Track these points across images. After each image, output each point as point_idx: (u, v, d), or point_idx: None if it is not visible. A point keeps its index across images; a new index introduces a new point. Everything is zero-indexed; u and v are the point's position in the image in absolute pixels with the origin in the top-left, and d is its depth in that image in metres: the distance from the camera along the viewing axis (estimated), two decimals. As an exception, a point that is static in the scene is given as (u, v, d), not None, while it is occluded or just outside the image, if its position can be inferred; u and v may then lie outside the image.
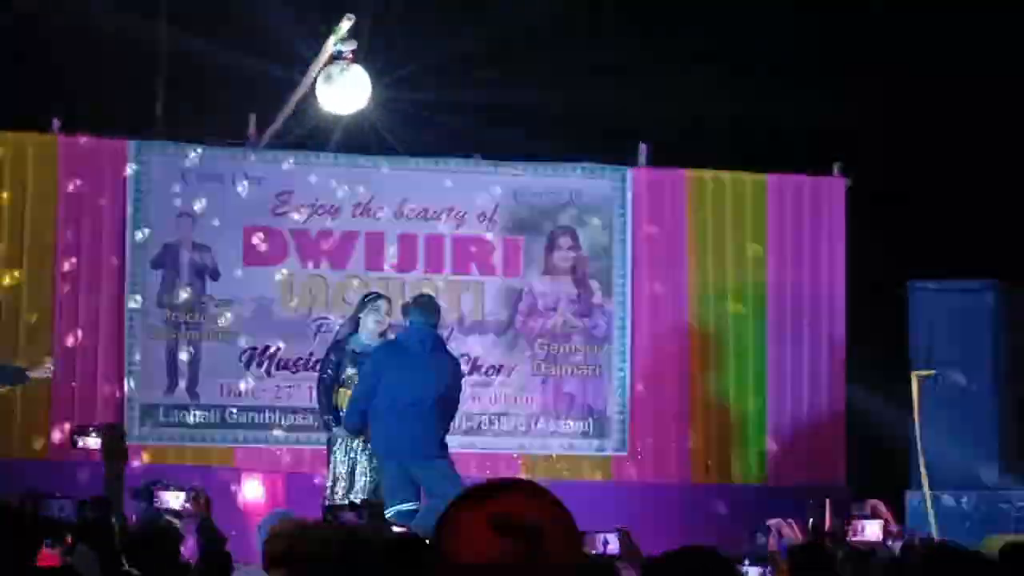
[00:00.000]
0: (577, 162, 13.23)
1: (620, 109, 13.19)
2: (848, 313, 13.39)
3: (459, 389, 10.55)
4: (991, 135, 13.27)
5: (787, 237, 13.42)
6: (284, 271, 12.64)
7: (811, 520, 10.07)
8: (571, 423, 13.01)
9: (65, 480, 10.83)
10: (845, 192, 13.53)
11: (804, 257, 13.43)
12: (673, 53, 13.30)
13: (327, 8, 12.20)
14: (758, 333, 13.30)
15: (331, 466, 10.42)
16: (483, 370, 12.70)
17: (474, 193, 13.03)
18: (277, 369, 12.54)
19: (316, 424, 11.66)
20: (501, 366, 12.87)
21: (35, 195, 12.21)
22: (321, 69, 11.86)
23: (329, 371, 10.60)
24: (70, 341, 12.16)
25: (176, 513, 6.66)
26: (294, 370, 12.54)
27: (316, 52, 11.92)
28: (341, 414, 10.43)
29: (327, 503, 9.75)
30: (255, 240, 12.60)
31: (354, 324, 10.68)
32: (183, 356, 12.42)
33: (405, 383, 10.02)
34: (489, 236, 13.03)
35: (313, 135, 12.91)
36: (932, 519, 12.19)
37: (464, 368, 11.54)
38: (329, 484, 10.39)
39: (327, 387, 10.58)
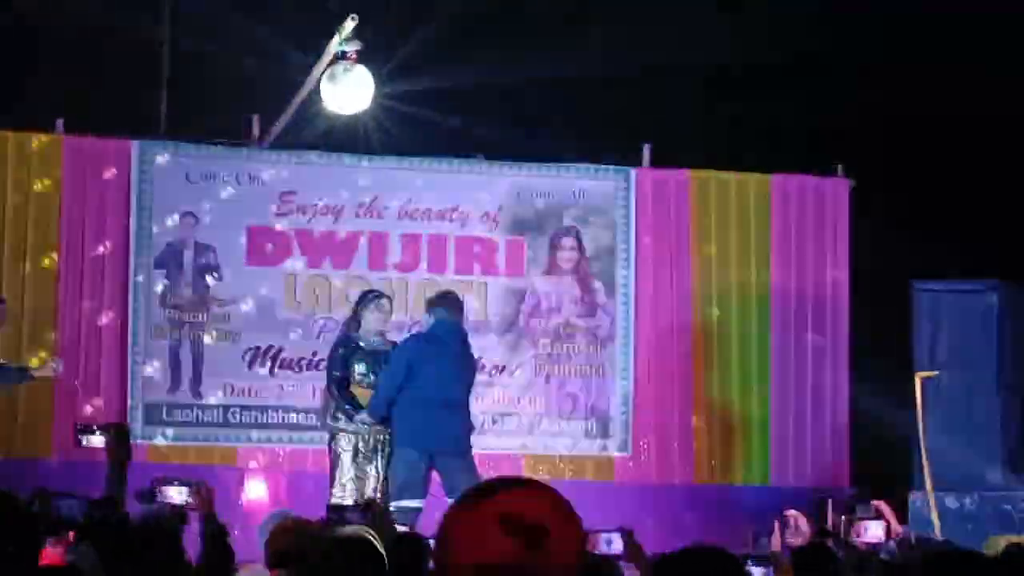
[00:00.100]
0: (581, 162, 13.22)
1: (624, 109, 13.20)
2: (852, 314, 13.38)
3: None
4: (995, 135, 13.26)
5: (791, 238, 13.41)
6: (287, 271, 12.64)
7: (814, 520, 10.07)
8: (574, 423, 13.00)
9: (68, 479, 10.81)
10: (849, 193, 13.51)
11: (808, 257, 13.42)
12: (676, 52, 13.29)
13: (331, 8, 12.21)
14: (762, 333, 13.29)
15: (338, 465, 10.39)
16: (486, 370, 12.68)
17: (477, 193, 13.02)
18: (280, 368, 12.54)
19: (319, 423, 11.64)
20: (504, 366, 12.87)
21: (38, 194, 12.21)
22: (325, 69, 11.86)
23: (336, 371, 10.57)
24: (73, 340, 12.16)
25: (179, 508, 6.65)
26: (297, 370, 12.54)
27: (320, 52, 11.92)
28: (348, 408, 10.44)
29: (331, 502, 9.74)
30: (258, 240, 12.59)
31: (356, 322, 10.68)
32: (186, 355, 12.43)
33: (440, 377, 10.16)
34: (492, 236, 13.02)
35: (317, 135, 12.91)
36: (935, 520, 12.19)
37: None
38: (338, 483, 10.36)
39: (339, 384, 10.53)
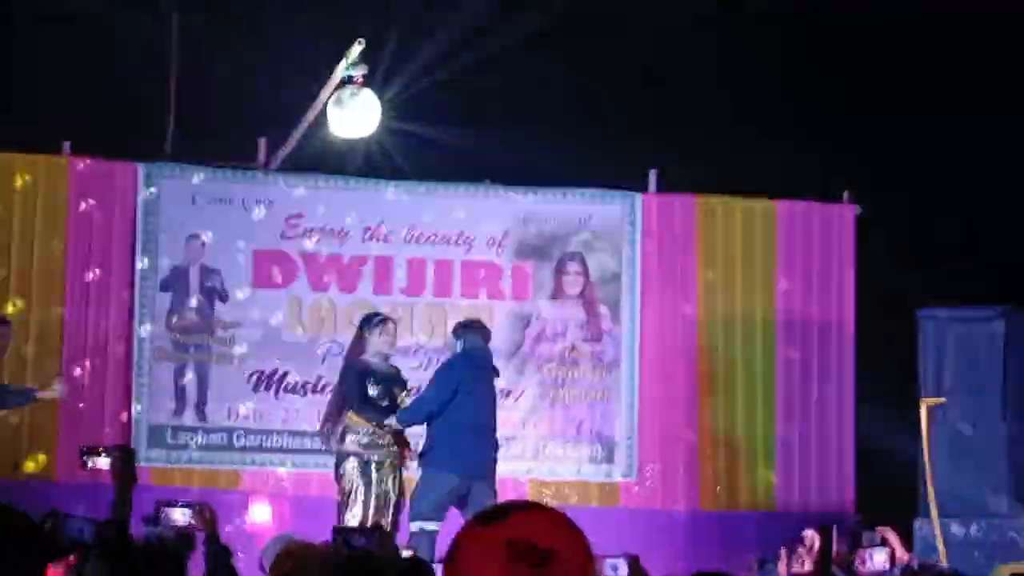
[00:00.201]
0: (586, 187, 13.23)
1: (630, 134, 13.21)
2: (857, 340, 13.37)
3: None
4: (1000, 162, 13.27)
5: (796, 264, 13.41)
6: (293, 294, 12.64)
7: (819, 547, 10.03)
8: (579, 448, 12.98)
9: (73, 501, 10.80)
10: (855, 220, 13.51)
11: (813, 284, 13.41)
12: (683, 77, 13.33)
13: (338, 32, 12.24)
14: (767, 359, 13.28)
15: (345, 489, 10.29)
16: (492, 394, 12.64)
17: (483, 218, 13.03)
18: (285, 392, 12.53)
19: (324, 447, 11.62)
20: (509, 391, 12.84)
21: (45, 217, 12.23)
22: (332, 93, 11.88)
23: (354, 392, 10.42)
24: (78, 363, 12.16)
25: (183, 530, 6.64)
26: (302, 393, 12.54)
27: (327, 76, 11.94)
28: (374, 414, 10.32)
29: (337, 526, 9.71)
30: (264, 263, 12.60)
31: (361, 344, 10.62)
32: (191, 378, 12.43)
33: (478, 402, 10.20)
34: (498, 261, 13.03)
35: (323, 159, 12.93)
36: (941, 547, 12.15)
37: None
38: (346, 507, 10.29)
39: (362, 401, 10.40)
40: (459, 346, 10.54)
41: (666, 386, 13.13)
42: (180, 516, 6.95)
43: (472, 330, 10.57)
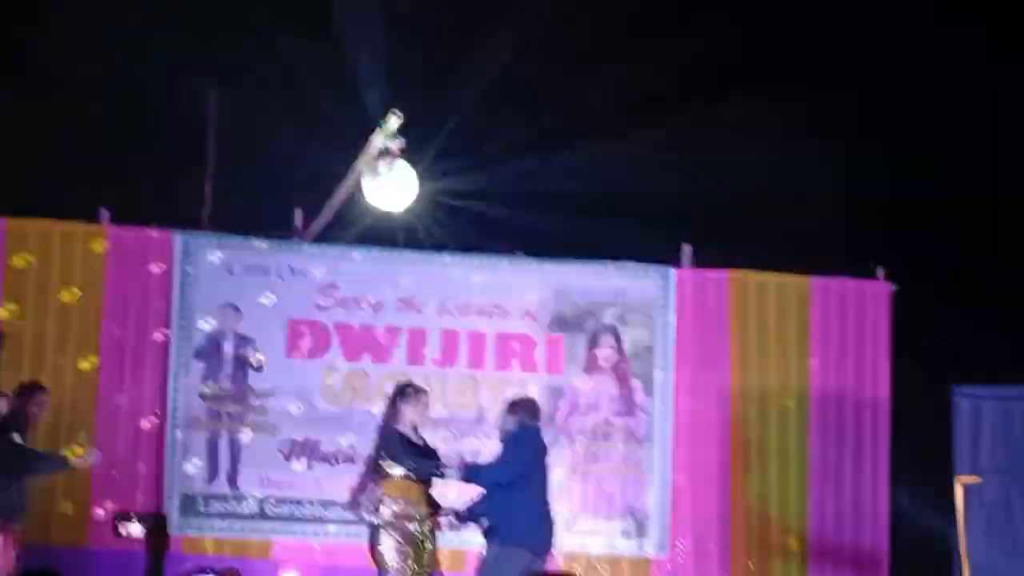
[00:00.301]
0: (621, 261, 13.24)
1: (664, 209, 13.25)
2: (892, 417, 13.30)
3: None
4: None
5: (830, 341, 13.37)
6: (327, 364, 12.65)
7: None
8: (611, 523, 12.91)
9: (104, 568, 10.80)
10: (890, 297, 13.48)
11: (848, 360, 13.37)
12: (716, 153, 13.38)
13: (374, 104, 12.32)
14: (800, 435, 13.22)
15: (386, 564, 10.07)
16: (523, 467, 12.59)
17: (517, 290, 13.04)
18: (318, 462, 12.52)
19: (356, 518, 11.55)
20: (542, 464, 12.77)
21: (82, 283, 12.27)
22: (368, 164, 11.93)
23: (395, 444, 10.20)
24: (112, 430, 12.17)
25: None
26: (334, 463, 12.52)
27: (363, 147, 12.00)
28: (395, 500, 10.13)
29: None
30: (298, 333, 12.62)
31: (394, 413, 10.44)
32: (224, 447, 12.42)
33: (546, 478, 10.12)
34: (532, 333, 13.02)
35: (358, 229, 12.98)
36: (976, 627, 12.03)
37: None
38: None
39: (403, 456, 10.21)
40: (513, 423, 10.35)
41: (699, 461, 13.07)
42: (211, 583, 6.93)
43: (526, 409, 10.45)
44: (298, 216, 12.90)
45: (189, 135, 13.22)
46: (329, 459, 12.53)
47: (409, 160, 12.02)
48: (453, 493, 10.68)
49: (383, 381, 12.46)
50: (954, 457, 12.69)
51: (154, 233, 12.51)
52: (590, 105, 13.86)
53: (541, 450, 10.24)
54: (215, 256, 12.56)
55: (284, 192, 13.04)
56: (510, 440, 10.20)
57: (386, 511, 9.96)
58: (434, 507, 10.23)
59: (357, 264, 12.85)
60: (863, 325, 13.45)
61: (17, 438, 10.56)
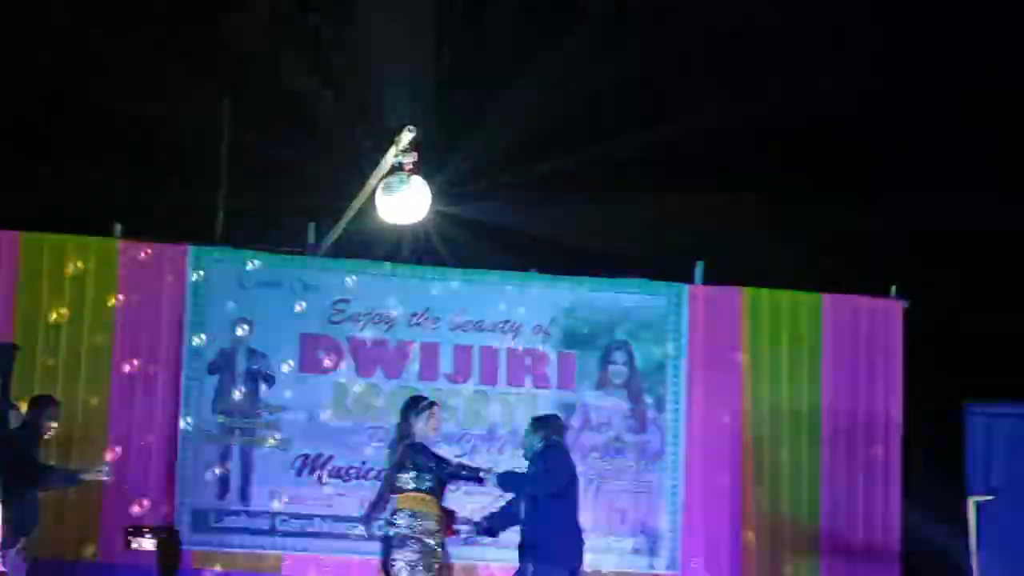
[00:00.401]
0: (633, 278, 13.23)
1: (678, 225, 13.25)
2: (904, 435, 13.27)
3: None
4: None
5: (843, 358, 13.35)
6: (339, 379, 12.65)
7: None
8: (622, 539, 12.89)
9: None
10: (903, 314, 13.46)
11: (860, 377, 13.35)
12: (730, 169, 13.38)
13: (388, 119, 12.33)
14: (812, 452, 13.20)
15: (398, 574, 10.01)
16: (535, 483, 12.57)
17: (530, 306, 13.04)
18: (329, 477, 12.51)
19: (367, 534, 11.53)
20: (553, 480, 12.75)
21: (95, 297, 12.29)
22: (381, 180, 11.93)
23: (420, 454, 10.09)
24: (124, 444, 12.17)
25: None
26: (346, 479, 12.52)
27: (376, 162, 12.00)
28: (412, 512, 10.03)
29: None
30: (311, 348, 12.62)
31: (407, 428, 10.35)
32: (236, 461, 12.42)
33: (576, 496, 10.05)
34: (544, 349, 13.02)
35: (371, 245, 12.99)
36: (988, 646, 11.99)
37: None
38: None
39: (446, 463, 10.14)
40: (539, 440, 10.25)
41: (711, 478, 13.05)
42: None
43: (552, 426, 10.36)
44: (311, 231, 12.91)
45: (203, 150, 13.22)
46: (341, 474, 12.52)
47: (423, 175, 12.01)
48: (470, 506, 10.65)
49: (395, 396, 12.44)
50: (966, 475, 12.65)
51: (168, 248, 12.52)
52: (603, 121, 13.86)
53: (572, 466, 10.19)
54: (227, 270, 12.57)
55: (297, 207, 13.05)
56: (541, 456, 10.08)
57: (401, 525, 9.90)
58: (450, 516, 10.18)
59: (370, 279, 12.85)
60: (876, 342, 13.43)
61: (29, 452, 10.56)
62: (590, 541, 12.70)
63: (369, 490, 12.10)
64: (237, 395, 12.48)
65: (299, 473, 12.50)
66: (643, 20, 13.62)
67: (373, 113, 13.04)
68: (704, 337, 13.24)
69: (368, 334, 12.76)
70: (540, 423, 10.31)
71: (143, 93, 13.11)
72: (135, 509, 12.07)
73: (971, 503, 12.53)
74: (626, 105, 13.67)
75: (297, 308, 12.63)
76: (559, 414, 10.97)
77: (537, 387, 12.98)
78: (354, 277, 12.79)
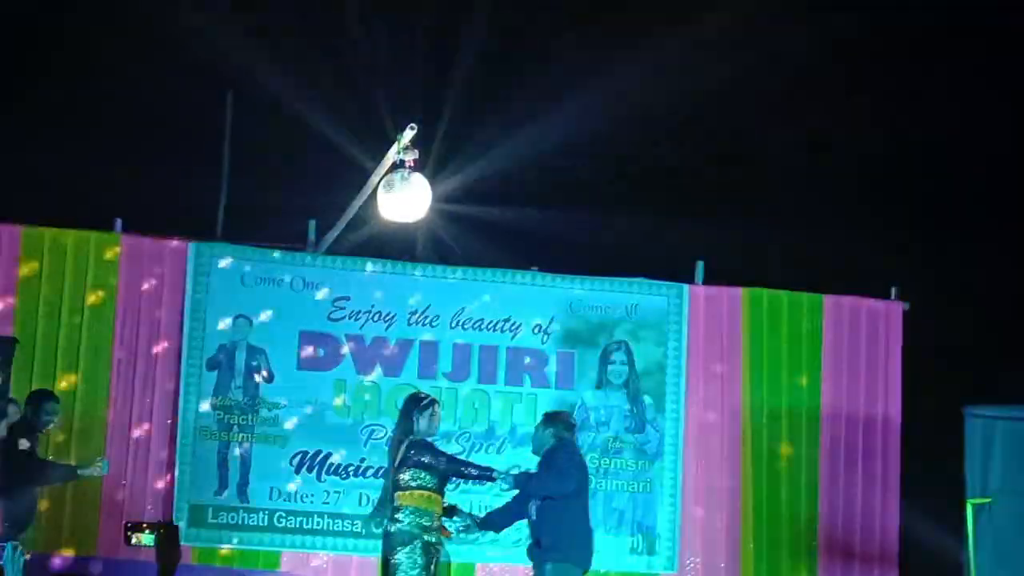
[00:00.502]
0: (634, 277, 13.22)
1: (679, 225, 13.25)
2: (903, 437, 13.28)
3: None
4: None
5: (843, 359, 13.35)
6: (338, 376, 12.64)
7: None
8: (620, 539, 12.88)
9: (114, 578, 10.79)
10: (903, 316, 13.46)
11: (860, 379, 13.35)
12: (731, 170, 13.38)
13: (390, 116, 12.34)
14: (811, 454, 13.20)
15: (398, 570, 9.96)
16: (533, 482, 12.57)
17: (530, 305, 13.03)
18: (327, 474, 12.50)
19: (366, 529, 11.56)
20: (552, 479, 12.75)
21: (95, 292, 12.27)
22: (382, 177, 11.92)
23: (433, 454, 10.02)
24: (122, 439, 12.16)
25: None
26: (344, 476, 12.51)
27: (378, 160, 12.00)
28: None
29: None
30: (310, 345, 12.62)
31: (409, 425, 10.29)
32: (234, 458, 12.41)
33: (588, 495, 10.03)
34: (544, 348, 13.01)
35: (372, 242, 12.99)
36: (985, 649, 11.99)
37: (515, 479, 11.44)
38: None
39: (458, 461, 10.11)
40: (551, 436, 10.19)
41: (709, 478, 13.05)
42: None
43: (564, 422, 10.31)
44: (312, 228, 12.90)
45: (204, 146, 13.22)
46: (339, 471, 12.52)
47: (423, 173, 12.01)
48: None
49: (395, 394, 12.45)
50: (965, 478, 12.65)
51: (168, 243, 12.51)
52: (604, 114, 13.87)
53: (584, 464, 10.16)
54: (228, 266, 12.56)
55: (298, 204, 13.04)
56: (555, 454, 10.02)
57: (404, 522, 9.88)
58: (452, 512, 10.17)
59: (370, 277, 12.84)
60: (876, 343, 13.44)
61: (26, 446, 10.55)
62: (588, 540, 12.80)
63: (367, 487, 12.14)
64: (236, 391, 12.47)
65: (298, 470, 12.49)
66: (643, 20, 13.64)
67: (376, 110, 13.04)
68: (704, 337, 13.23)
69: (367, 332, 12.75)
70: (551, 419, 10.28)
71: (145, 89, 13.11)
72: (134, 505, 12.06)
73: (969, 506, 12.52)
74: (626, 105, 13.67)
75: (297, 305, 12.61)
76: (569, 411, 10.95)
77: (536, 386, 12.97)
78: (354, 274, 12.78)
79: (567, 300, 13.10)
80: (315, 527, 12.47)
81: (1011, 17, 12.78)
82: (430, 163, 12.61)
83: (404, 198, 11.95)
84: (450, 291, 12.93)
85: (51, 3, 13.34)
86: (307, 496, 12.47)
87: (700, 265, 13.37)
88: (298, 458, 12.50)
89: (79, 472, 11.05)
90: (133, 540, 10.30)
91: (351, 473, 12.51)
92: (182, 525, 12.06)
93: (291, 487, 12.45)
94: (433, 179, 12.39)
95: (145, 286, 12.39)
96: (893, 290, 13.54)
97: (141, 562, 11.35)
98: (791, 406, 13.22)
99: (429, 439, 10.07)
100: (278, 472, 12.45)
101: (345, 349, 12.69)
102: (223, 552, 12.31)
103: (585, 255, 13.26)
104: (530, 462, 12.57)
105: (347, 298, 12.77)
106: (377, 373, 12.73)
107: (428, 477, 9.83)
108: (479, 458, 12.44)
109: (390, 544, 9.84)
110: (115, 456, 11.92)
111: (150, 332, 12.37)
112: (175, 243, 12.52)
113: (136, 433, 12.23)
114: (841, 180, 13.39)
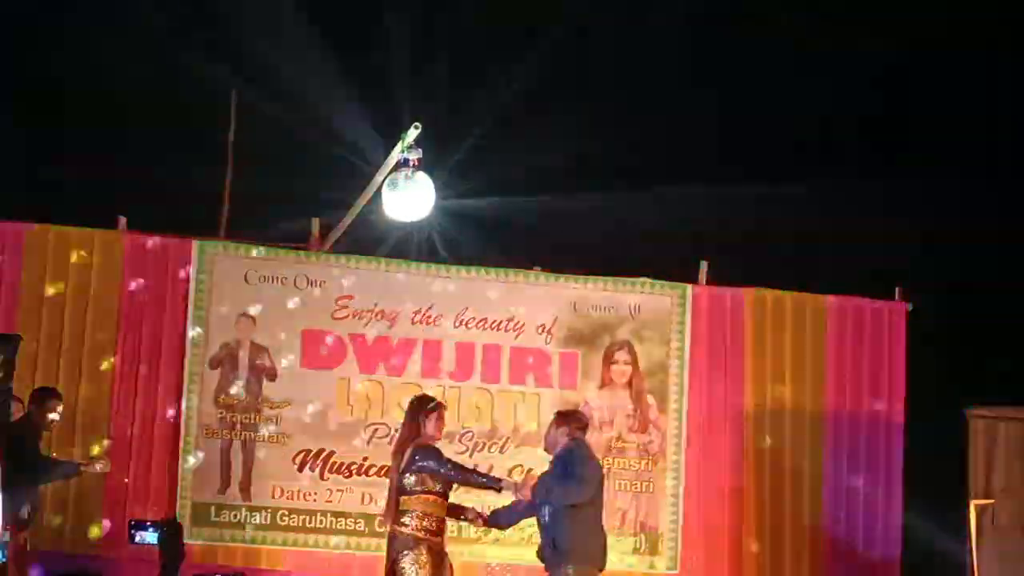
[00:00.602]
0: (637, 277, 13.22)
1: (683, 225, 13.26)
2: (906, 438, 13.27)
3: None
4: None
5: (846, 359, 13.35)
6: (341, 375, 12.64)
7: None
8: (623, 539, 12.88)
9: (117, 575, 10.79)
10: (906, 316, 13.46)
11: (863, 379, 13.35)
12: (735, 170, 13.39)
13: (395, 115, 12.34)
14: (814, 454, 13.19)
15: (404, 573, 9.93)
16: (536, 482, 12.57)
17: (533, 304, 13.03)
18: (330, 473, 12.51)
19: (367, 530, 11.56)
20: (554, 478, 12.74)
21: (99, 290, 12.28)
22: (386, 176, 11.93)
23: (438, 460, 9.97)
24: (126, 437, 12.17)
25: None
26: (347, 474, 12.51)
27: (382, 158, 12.00)
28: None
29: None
30: (313, 343, 12.62)
31: (416, 427, 10.25)
32: (237, 456, 12.42)
33: (602, 496, 9.97)
34: (547, 348, 13.01)
35: (376, 241, 12.99)
36: (987, 650, 11.99)
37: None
38: None
39: (464, 468, 10.06)
40: (565, 436, 10.11)
41: (712, 479, 13.04)
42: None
43: (577, 421, 10.22)
44: (315, 226, 12.90)
45: (208, 144, 13.22)
46: (342, 470, 12.52)
47: (428, 172, 12.01)
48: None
49: (398, 393, 12.45)
50: (968, 478, 12.64)
51: (172, 241, 12.51)
52: (609, 122, 13.87)
53: (599, 466, 10.08)
54: (231, 264, 12.56)
55: (302, 202, 13.05)
56: (571, 460, 9.88)
57: (409, 526, 9.85)
58: (458, 510, 10.14)
59: (373, 275, 12.84)
60: (879, 344, 13.43)
61: (30, 444, 10.55)
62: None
63: (369, 486, 12.14)
64: (239, 389, 12.48)
65: (301, 468, 12.49)
66: (642, 21, 13.65)
67: (381, 108, 13.04)
68: (707, 337, 13.23)
69: (371, 331, 12.75)
70: (563, 417, 10.22)
71: (149, 87, 13.12)
72: (136, 502, 12.06)
73: (972, 507, 12.53)
74: (627, 105, 13.67)
75: (300, 303, 12.61)
76: (581, 409, 10.92)
77: (539, 386, 12.96)
78: (358, 273, 12.78)
79: (570, 300, 13.10)
80: (318, 525, 12.47)
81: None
82: (435, 161, 12.60)
83: (408, 197, 11.97)
84: (454, 291, 12.93)
85: (51, 3, 13.35)
86: (310, 494, 12.47)
87: (703, 265, 13.37)
88: (301, 456, 12.50)
89: (82, 469, 11.06)
90: (137, 538, 10.32)
91: (354, 471, 12.51)
92: (185, 523, 12.06)
93: (294, 486, 12.45)
94: (437, 178, 12.39)
95: (149, 284, 12.39)
96: (897, 290, 13.54)
97: (144, 560, 11.35)
98: (794, 406, 13.21)
99: (434, 443, 10.03)
100: (281, 470, 12.45)
101: (348, 348, 12.69)
102: (226, 550, 12.30)
103: (588, 255, 13.24)
104: (534, 461, 12.61)
105: (350, 296, 12.77)
106: (380, 372, 12.73)
107: (433, 482, 9.80)
108: (481, 457, 12.46)
109: (395, 547, 9.82)
110: (118, 453, 11.93)
111: (153, 330, 12.38)
112: (179, 241, 12.53)
113: (139, 431, 12.23)
114: (842, 180, 13.37)
